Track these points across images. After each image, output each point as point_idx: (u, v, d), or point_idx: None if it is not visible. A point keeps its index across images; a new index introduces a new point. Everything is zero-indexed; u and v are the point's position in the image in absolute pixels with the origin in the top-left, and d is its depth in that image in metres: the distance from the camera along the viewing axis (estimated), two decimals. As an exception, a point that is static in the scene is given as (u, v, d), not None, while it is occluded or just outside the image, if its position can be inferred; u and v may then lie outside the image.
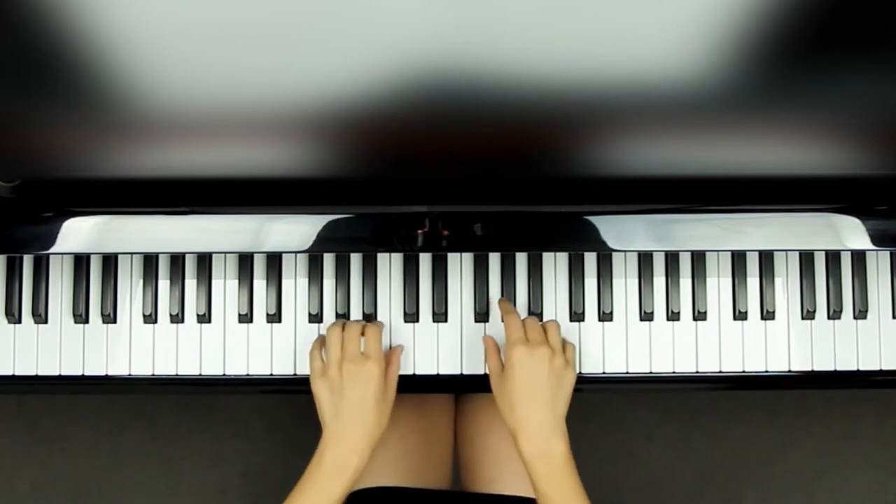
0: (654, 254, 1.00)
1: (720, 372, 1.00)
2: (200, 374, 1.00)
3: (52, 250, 0.90)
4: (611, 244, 0.91)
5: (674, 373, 1.00)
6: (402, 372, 0.97)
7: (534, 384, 0.89)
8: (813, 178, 0.88)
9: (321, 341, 0.95)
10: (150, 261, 1.00)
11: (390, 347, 0.99)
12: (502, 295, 1.00)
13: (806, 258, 1.01)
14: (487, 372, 0.98)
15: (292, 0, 0.76)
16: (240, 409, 1.62)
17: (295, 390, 1.02)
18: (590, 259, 1.01)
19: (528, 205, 0.91)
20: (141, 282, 1.00)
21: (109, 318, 0.99)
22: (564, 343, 0.95)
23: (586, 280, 1.00)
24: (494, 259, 1.01)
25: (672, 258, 1.00)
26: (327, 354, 0.92)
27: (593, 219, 0.91)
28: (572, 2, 0.76)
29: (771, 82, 0.80)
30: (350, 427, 0.89)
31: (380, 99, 0.81)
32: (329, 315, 1.00)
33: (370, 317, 0.99)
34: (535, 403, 0.88)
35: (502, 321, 0.95)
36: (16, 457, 1.62)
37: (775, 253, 1.00)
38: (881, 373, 1.00)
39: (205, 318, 1.00)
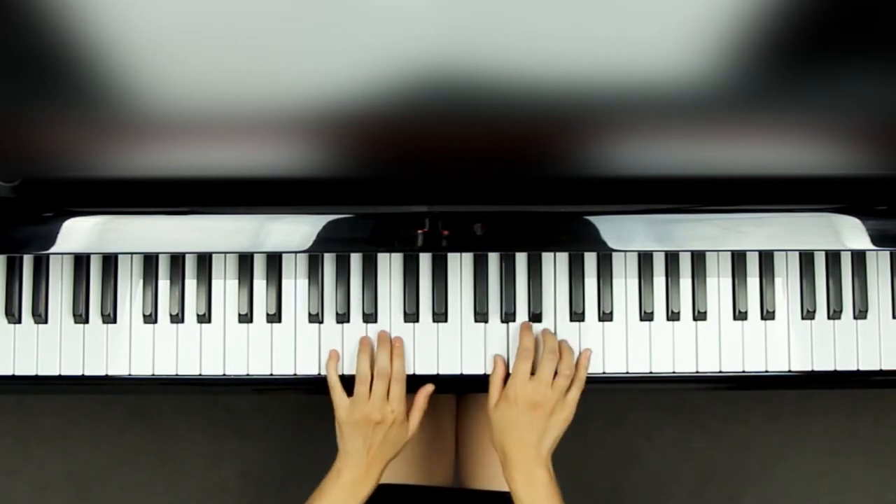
0: (654, 254, 1.00)
1: (720, 372, 1.00)
2: (200, 374, 1.00)
3: (52, 250, 0.90)
4: (611, 244, 0.91)
5: (674, 373, 1.00)
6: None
7: (522, 427, 0.93)
8: (813, 178, 0.88)
9: (336, 363, 0.98)
10: (150, 261, 1.00)
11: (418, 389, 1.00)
12: (502, 295, 1.00)
13: (806, 258, 1.01)
14: (489, 380, 0.99)
15: (293, 0, 0.76)
16: (240, 409, 1.61)
17: (295, 390, 1.02)
18: (590, 259, 1.01)
19: (528, 205, 0.91)
20: (141, 282, 1.00)
21: (109, 318, 0.99)
22: (574, 377, 0.96)
23: (586, 280, 1.00)
24: (494, 259, 1.01)
25: (672, 258, 1.00)
26: (357, 401, 0.95)
27: (593, 219, 0.91)
28: (572, 2, 0.76)
29: (771, 82, 0.80)
30: (370, 462, 0.94)
31: (380, 99, 0.81)
32: (329, 315, 1.00)
33: (370, 317, 0.99)
34: (522, 443, 0.92)
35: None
36: (16, 457, 1.62)
37: (775, 253, 1.00)
38: (881, 373, 1.00)
39: (205, 318, 1.00)
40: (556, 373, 0.95)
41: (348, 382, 0.96)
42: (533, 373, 0.95)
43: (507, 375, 0.97)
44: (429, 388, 0.98)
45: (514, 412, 0.93)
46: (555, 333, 0.99)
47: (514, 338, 1.00)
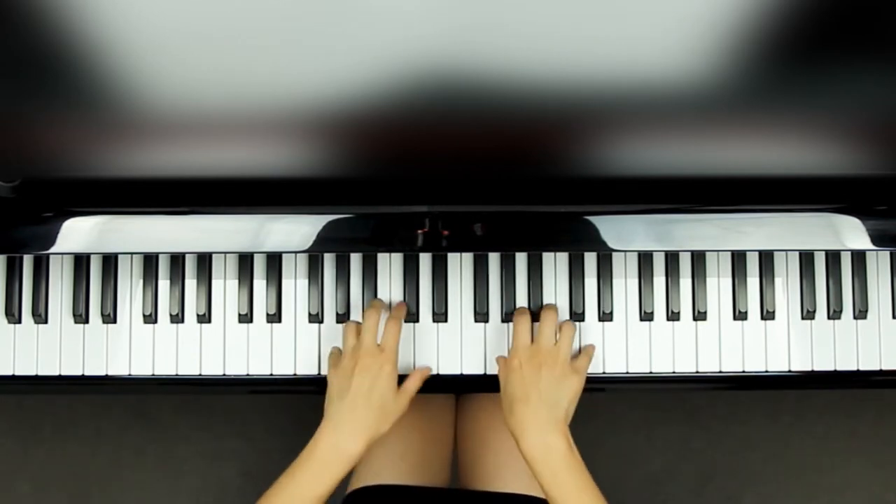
0: (654, 254, 1.00)
1: (720, 372, 1.00)
2: (200, 374, 1.00)
3: (52, 250, 0.90)
4: (611, 244, 0.91)
5: (674, 373, 1.00)
6: (403, 373, 0.97)
7: (531, 386, 0.89)
8: (813, 178, 0.88)
9: (352, 328, 0.96)
10: (150, 261, 1.00)
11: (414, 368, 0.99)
12: (502, 295, 1.00)
13: (806, 258, 1.01)
14: (496, 372, 0.99)
15: (293, 0, 0.76)
16: (240, 409, 1.62)
17: (295, 390, 1.02)
18: (590, 259, 1.01)
19: (528, 205, 0.91)
20: (141, 282, 1.00)
21: (109, 318, 0.99)
22: (580, 351, 0.96)
23: (586, 280, 1.00)
24: (494, 259, 1.01)
25: (672, 258, 1.00)
26: (343, 344, 0.93)
27: (593, 219, 0.91)
28: (572, 2, 0.76)
29: (771, 82, 0.80)
30: (349, 415, 0.88)
31: (380, 99, 0.81)
32: (329, 315, 1.00)
33: (370, 317, 0.99)
34: (532, 404, 0.88)
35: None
36: (16, 457, 1.62)
37: (775, 253, 1.00)
38: (881, 373, 1.00)
39: (205, 318, 1.00)
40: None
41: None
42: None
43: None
44: (428, 369, 0.97)
45: (519, 377, 0.90)
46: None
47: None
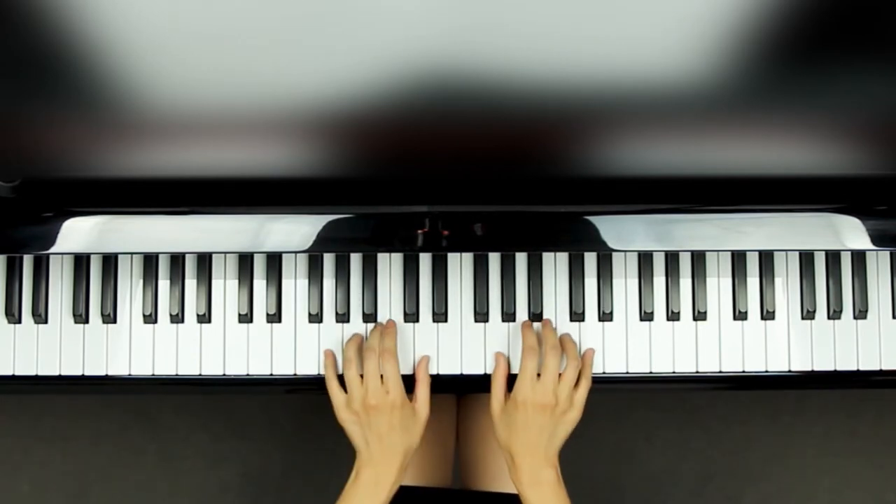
0: (654, 254, 1.00)
1: (720, 372, 1.00)
2: (200, 374, 1.00)
3: (52, 250, 0.90)
4: (611, 244, 0.91)
5: (674, 373, 1.00)
6: (402, 372, 0.97)
7: (530, 429, 0.92)
8: (813, 178, 0.88)
9: (333, 363, 0.97)
10: (150, 261, 1.00)
11: (415, 364, 0.99)
12: (502, 295, 1.00)
13: (806, 258, 1.01)
14: (493, 378, 0.99)
15: (293, 0, 0.76)
16: (240, 409, 1.62)
17: (295, 390, 1.02)
18: (590, 259, 1.01)
19: (528, 205, 0.91)
20: (141, 282, 1.00)
21: (109, 318, 0.99)
22: (580, 379, 0.96)
23: (586, 280, 1.00)
24: (494, 259, 1.01)
25: (672, 258, 1.00)
26: (349, 389, 0.94)
27: (593, 219, 0.91)
28: (572, 1, 0.76)
29: (771, 82, 0.80)
30: (381, 453, 0.92)
31: (380, 99, 0.81)
32: (329, 315, 1.00)
33: (370, 317, 0.99)
34: (530, 444, 0.92)
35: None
36: (16, 457, 1.62)
37: (775, 253, 1.00)
38: (881, 373, 1.00)
39: (205, 318, 1.00)
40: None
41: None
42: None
43: (509, 373, 0.97)
44: (426, 360, 0.98)
45: (522, 415, 0.92)
46: (555, 329, 0.99)
47: (515, 337, 1.00)
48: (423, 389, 0.96)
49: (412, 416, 0.94)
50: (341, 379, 0.96)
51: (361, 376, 0.94)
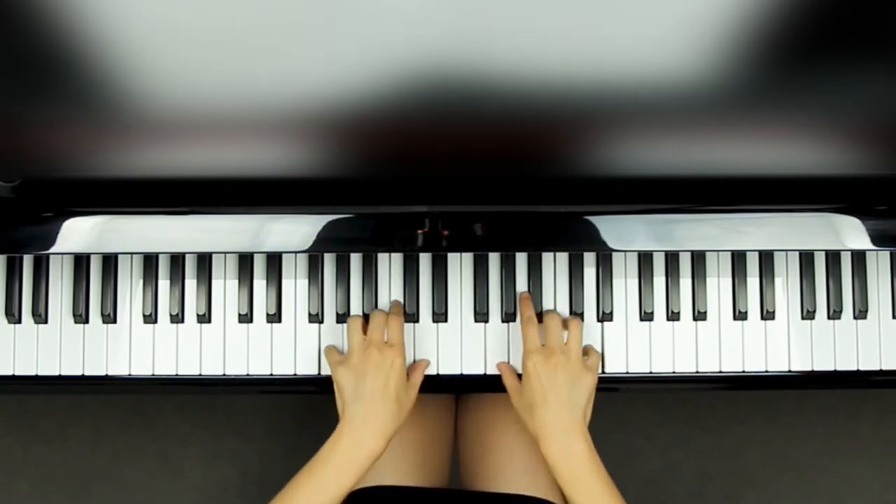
0: (654, 254, 1.00)
1: (720, 372, 1.00)
2: (200, 374, 1.00)
3: (52, 250, 0.90)
4: (611, 244, 0.91)
5: (674, 373, 1.00)
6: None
7: (549, 389, 0.90)
8: (813, 178, 0.88)
9: (333, 347, 0.97)
10: (150, 261, 1.00)
11: (414, 361, 1.00)
12: (502, 295, 1.00)
13: (806, 258, 1.01)
14: (496, 372, 0.99)
15: (293, 0, 0.76)
16: (240, 409, 1.62)
17: (295, 390, 1.02)
18: (590, 259, 1.01)
19: (528, 205, 0.91)
20: (141, 282, 1.00)
21: (109, 318, 0.99)
22: (588, 349, 0.97)
23: (586, 280, 1.00)
24: (494, 259, 1.01)
25: (672, 258, 1.00)
26: (349, 341, 0.93)
27: (593, 219, 0.91)
28: (572, 2, 0.76)
29: (771, 82, 0.80)
30: (370, 413, 0.89)
31: (380, 99, 0.81)
32: (329, 315, 1.00)
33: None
34: (552, 407, 0.90)
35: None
36: (16, 457, 1.62)
37: (775, 253, 1.00)
38: (881, 373, 1.00)
39: (205, 318, 1.00)
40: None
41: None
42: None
43: (518, 375, 0.97)
44: (426, 361, 0.99)
45: (536, 382, 0.91)
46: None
47: (515, 338, 1.00)
48: (418, 374, 0.96)
49: (405, 388, 0.92)
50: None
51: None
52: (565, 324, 0.97)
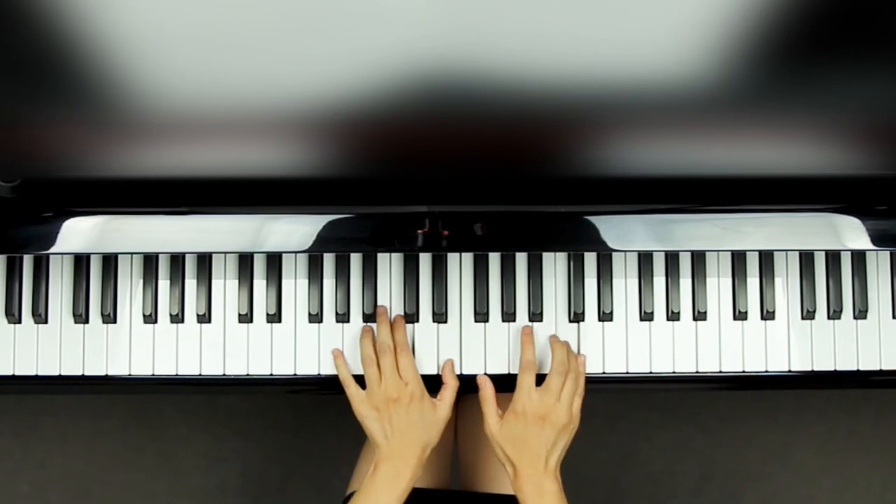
0: (654, 254, 1.00)
1: (720, 372, 1.00)
2: (200, 374, 1.00)
3: (52, 250, 0.90)
4: (611, 244, 0.91)
5: (674, 373, 1.00)
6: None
7: (530, 441, 0.92)
8: (813, 178, 0.88)
9: (344, 362, 0.97)
10: (150, 261, 1.00)
11: (443, 363, 1.00)
12: (502, 295, 1.00)
13: (806, 258, 1.01)
14: (496, 372, 0.98)
15: (293, 1, 0.76)
16: (240, 409, 1.62)
17: (294, 390, 1.02)
18: (590, 259, 1.01)
19: (528, 205, 0.91)
20: (141, 282, 1.00)
21: (109, 318, 0.99)
22: (576, 388, 0.95)
23: (586, 280, 1.00)
24: (494, 259, 1.01)
25: (672, 258, 1.00)
26: (369, 385, 0.94)
27: (593, 219, 0.91)
28: (572, 3, 0.76)
29: (771, 82, 0.80)
30: (401, 448, 0.92)
31: (380, 99, 0.81)
32: (329, 315, 1.00)
33: (370, 317, 0.99)
34: (531, 456, 0.91)
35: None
36: (16, 457, 1.62)
37: (775, 253, 1.00)
38: (881, 373, 1.00)
39: (205, 318, 1.00)
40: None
41: (360, 382, 0.96)
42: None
43: (496, 389, 0.96)
44: (450, 363, 0.98)
45: (522, 426, 0.92)
46: (555, 334, 0.99)
47: (515, 338, 1.00)
48: (449, 393, 0.96)
49: (432, 411, 0.94)
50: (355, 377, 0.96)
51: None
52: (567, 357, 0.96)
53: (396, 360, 0.95)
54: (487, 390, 0.96)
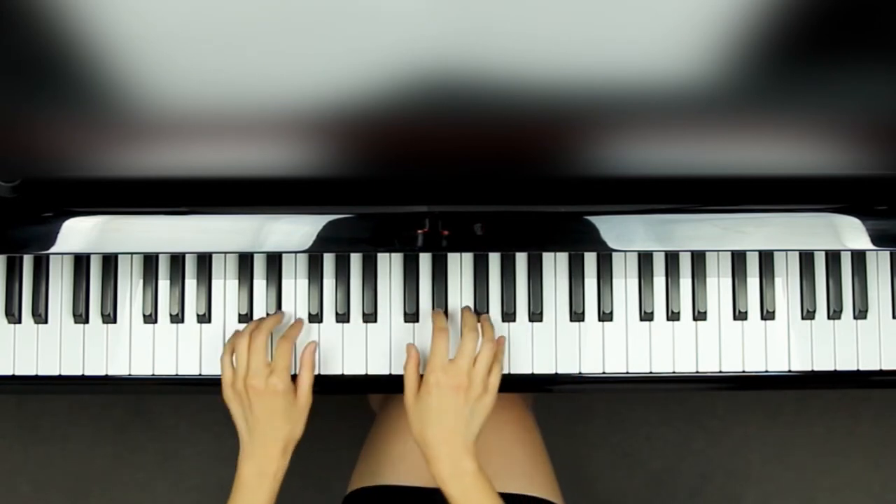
0: (654, 254, 1.00)
1: (720, 372, 1.00)
2: (200, 374, 1.00)
3: (52, 250, 0.90)
4: (611, 244, 0.91)
5: (674, 373, 1.00)
6: (383, 373, 0.96)
7: (447, 410, 0.89)
8: (813, 178, 0.88)
9: (231, 346, 0.95)
10: (150, 261, 1.00)
11: (304, 348, 0.97)
12: (502, 295, 1.00)
13: (806, 258, 1.01)
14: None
15: (293, 1, 0.76)
16: (240, 409, 1.61)
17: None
18: (590, 259, 1.01)
19: (528, 205, 0.91)
20: (141, 282, 1.00)
21: (109, 318, 0.99)
22: (493, 366, 0.93)
23: (586, 280, 1.00)
24: (494, 259, 1.01)
25: (672, 258, 1.00)
26: (237, 365, 0.93)
27: (593, 219, 0.91)
28: (572, 2, 0.76)
29: (771, 82, 0.80)
30: (262, 440, 0.91)
31: (380, 99, 0.81)
32: (329, 315, 1.00)
33: (370, 316, 0.99)
34: (446, 431, 0.89)
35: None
36: (16, 457, 1.62)
37: (775, 253, 1.00)
38: (881, 373, 1.00)
39: (205, 318, 1.00)
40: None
41: (360, 382, 0.96)
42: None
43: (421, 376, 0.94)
44: (311, 347, 0.96)
45: (435, 398, 0.89)
46: (555, 334, 0.99)
47: (515, 338, 1.00)
48: (305, 376, 0.93)
49: (293, 404, 0.92)
50: (351, 379, 0.96)
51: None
52: (481, 325, 0.94)
53: (273, 350, 0.93)
54: (411, 361, 0.93)
